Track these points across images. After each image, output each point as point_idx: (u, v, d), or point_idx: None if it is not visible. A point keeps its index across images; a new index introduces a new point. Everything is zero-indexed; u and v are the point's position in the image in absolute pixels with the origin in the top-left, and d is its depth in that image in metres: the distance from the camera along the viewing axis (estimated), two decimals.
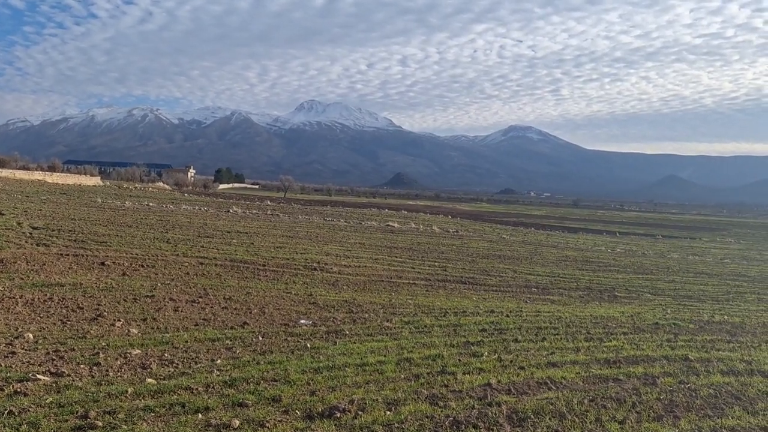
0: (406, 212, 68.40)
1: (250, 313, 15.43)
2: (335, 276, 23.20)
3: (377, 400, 6.57)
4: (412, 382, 7.49)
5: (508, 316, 15.67)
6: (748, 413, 6.54)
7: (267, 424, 5.95)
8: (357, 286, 22.07)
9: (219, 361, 9.83)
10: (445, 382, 7.43)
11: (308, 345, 11.10)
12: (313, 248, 28.92)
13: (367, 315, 15.90)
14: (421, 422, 5.86)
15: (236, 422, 5.96)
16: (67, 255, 19.48)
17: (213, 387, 7.83)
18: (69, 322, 12.56)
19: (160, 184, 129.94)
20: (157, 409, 6.67)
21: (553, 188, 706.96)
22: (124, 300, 15.20)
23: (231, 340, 11.85)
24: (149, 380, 8.17)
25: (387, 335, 12.39)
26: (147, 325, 13.14)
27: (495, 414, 6.03)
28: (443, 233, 44.56)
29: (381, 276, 24.76)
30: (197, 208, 46.43)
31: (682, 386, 7.44)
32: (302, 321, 14.76)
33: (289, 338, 12.11)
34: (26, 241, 20.47)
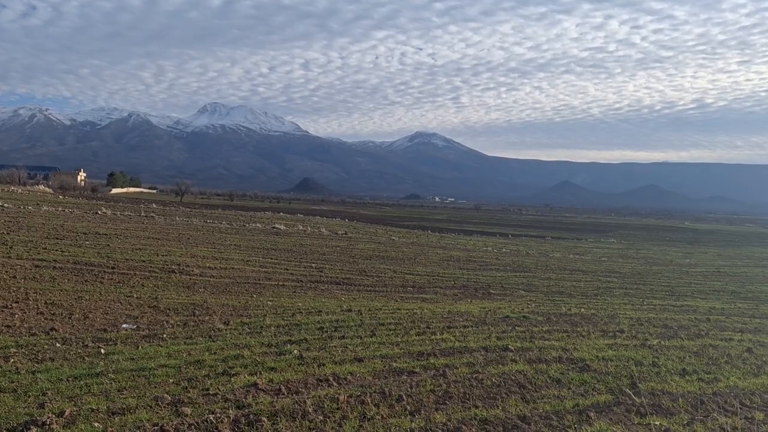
0: (302, 215, 67.09)
1: (70, 318, 13.77)
2: (195, 278, 21.69)
3: (99, 409, 5.52)
4: (174, 386, 6.50)
5: (361, 314, 14.97)
6: (523, 401, 6.10)
7: None
8: (216, 289, 20.70)
9: None
10: (211, 384, 6.49)
11: (103, 351, 9.77)
12: (178, 250, 27.10)
13: (207, 318, 14.66)
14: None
15: None
16: None
17: None
18: None
19: (41, 186, 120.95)
20: None
21: (457, 193, 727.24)
22: None
23: (19, 348, 10.26)
24: None
25: (208, 337, 11.26)
26: None
27: (218, 419, 5.14)
28: (331, 235, 43.69)
29: (248, 278, 23.51)
30: (62, 209, 42.72)
31: (472, 377, 6.94)
32: (124, 326, 13.30)
33: (90, 344, 10.69)
34: None
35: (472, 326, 12.49)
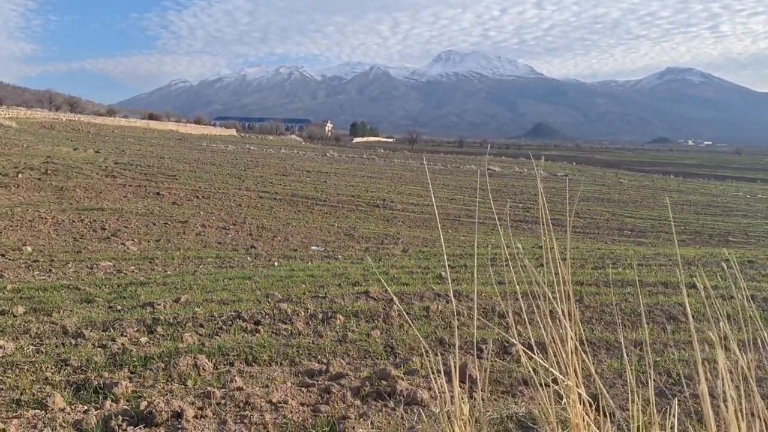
0: (524, 159, 65.15)
1: (272, 239, 15.22)
2: (396, 213, 22.40)
3: (213, 299, 5.92)
4: (297, 289, 6.65)
5: (547, 250, 14.00)
6: (661, 330, 4.93)
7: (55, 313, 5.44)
8: (413, 223, 21.14)
9: (169, 271, 9.62)
10: (330, 290, 6.53)
11: (276, 264, 10.57)
12: (387, 187, 28.22)
13: (391, 246, 15.08)
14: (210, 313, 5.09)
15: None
16: (130, 185, 20.57)
17: (98, 287, 7.49)
18: (80, 240, 13.05)
19: (292, 136, 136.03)
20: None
21: (715, 136, 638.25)
22: (153, 224, 15.60)
23: (215, 258, 11.60)
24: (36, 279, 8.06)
25: (377, 260, 11.46)
26: (156, 245, 13.32)
27: (294, 312, 5.04)
28: (549, 177, 41.63)
29: (449, 214, 23.60)
30: (296, 152, 47.53)
31: (614, 305, 5.87)
32: (313, 247, 14.27)
33: (273, 259, 11.61)
34: (97, 174, 21.92)
35: (669, 265, 10.77)
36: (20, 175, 20.53)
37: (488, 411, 2.79)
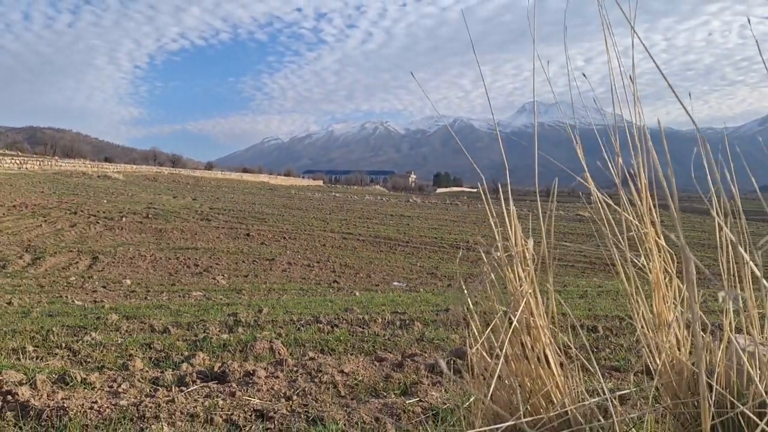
0: (614, 206, 63.02)
1: (355, 276, 15.34)
2: (479, 254, 22.02)
3: (294, 312, 5.87)
4: (377, 308, 6.58)
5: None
6: None
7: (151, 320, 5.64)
8: (498, 263, 20.69)
9: (254, 299, 9.84)
10: (408, 309, 6.40)
11: (357, 294, 10.59)
12: (470, 230, 27.91)
13: (474, 284, 14.78)
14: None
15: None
16: (222, 228, 21.51)
17: (187, 306, 7.73)
18: (174, 275, 13.71)
19: (377, 187, 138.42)
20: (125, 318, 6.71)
21: None
22: (243, 261, 16.15)
23: (298, 291, 11.82)
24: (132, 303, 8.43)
25: (458, 292, 11.24)
26: (244, 279, 13.77)
27: (372, 319, 4.92)
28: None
29: (535, 258, 22.92)
30: (379, 198, 48.22)
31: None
32: (395, 283, 14.24)
33: (354, 292, 11.67)
34: (193, 218, 23.12)
35: None
36: (124, 219, 22.02)
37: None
